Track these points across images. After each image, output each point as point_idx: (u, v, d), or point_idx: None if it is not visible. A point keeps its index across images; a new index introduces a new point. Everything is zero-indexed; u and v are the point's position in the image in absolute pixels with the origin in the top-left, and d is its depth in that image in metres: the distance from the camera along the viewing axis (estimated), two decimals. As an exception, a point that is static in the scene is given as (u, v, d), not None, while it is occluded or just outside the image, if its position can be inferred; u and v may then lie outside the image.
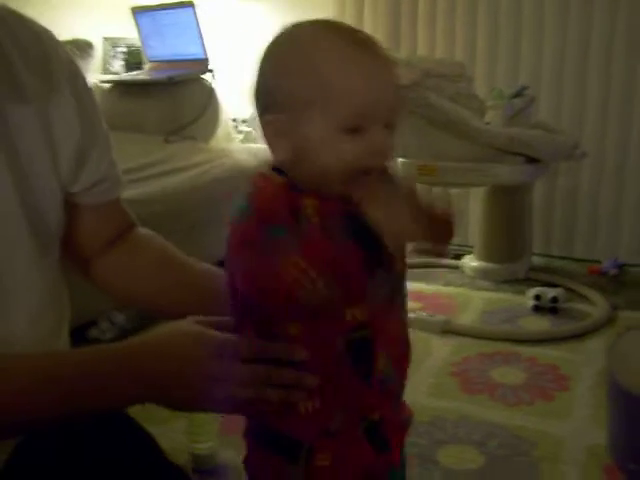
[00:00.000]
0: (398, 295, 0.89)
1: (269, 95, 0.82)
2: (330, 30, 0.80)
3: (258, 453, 0.92)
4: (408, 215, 0.76)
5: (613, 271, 2.81)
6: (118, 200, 1.12)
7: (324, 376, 0.84)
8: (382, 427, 0.90)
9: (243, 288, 0.81)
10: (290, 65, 0.79)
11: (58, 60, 0.97)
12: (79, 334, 2.22)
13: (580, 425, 1.75)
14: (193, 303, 1.06)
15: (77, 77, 1.01)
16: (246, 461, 0.95)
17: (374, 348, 0.85)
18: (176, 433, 1.70)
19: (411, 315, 2.28)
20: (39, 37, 0.97)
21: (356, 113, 0.77)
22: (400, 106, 0.82)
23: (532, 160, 2.47)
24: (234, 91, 3.38)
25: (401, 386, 0.93)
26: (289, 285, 0.76)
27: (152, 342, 0.90)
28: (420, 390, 1.90)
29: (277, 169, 0.84)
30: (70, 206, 1.02)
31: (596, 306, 2.46)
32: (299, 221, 0.79)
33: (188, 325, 0.89)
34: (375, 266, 0.79)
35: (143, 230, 1.16)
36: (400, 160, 2.55)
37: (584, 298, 2.56)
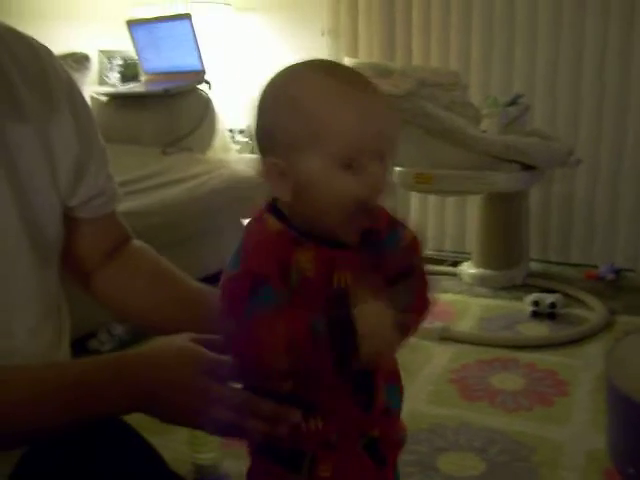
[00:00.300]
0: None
1: (267, 137, 0.83)
2: (322, 70, 0.81)
3: (261, 464, 0.94)
4: (391, 336, 0.77)
5: (610, 276, 2.82)
6: (114, 213, 1.13)
7: (326, 405, 0.86)
8: (380, 444, 0.92)
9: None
10: (284, 108, 0.80)
11: (57, 77, 0.98)
12: (79, 345, 2.22)
13: (579, 430, 1.75)
14: (185, 320, 1.07)
15: (75, 94, 1.02)
16: (249, 473, 0.96)
17: (375, 380, 0.87)
18: (178, 443, 1.70)
19: (410, 323, 2.29)
20: (37, 54, 0.98)
21: (350, 149, 0.79)
22: (395, 140, 0.83)
23: (528, 167, 2.49)
24: (231, 102, 3.40)
25: (399, 410, 0.95)
26: (257, 356, 0.78)
27: (147, 354, 0.92)
28: (419, 397, 1.91)
29: (276, 208, 0.85)
30: (68, 220, 1.03)
31: (594, 311, 2.47)
32: (290, 277, 0.80)
33: (182, 341, 0.90)
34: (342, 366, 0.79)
35: (137, 242, 1.17)
36: (397, 169, 2.56)
37: (582, 303, 2.57)
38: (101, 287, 1.12)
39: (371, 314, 0.77)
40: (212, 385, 0.84)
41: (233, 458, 1.61)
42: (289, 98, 0.80)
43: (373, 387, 0.88)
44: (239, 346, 0.80)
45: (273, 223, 0.84)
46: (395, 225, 0.91)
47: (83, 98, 1.04)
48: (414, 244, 0.91)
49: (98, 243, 1.10)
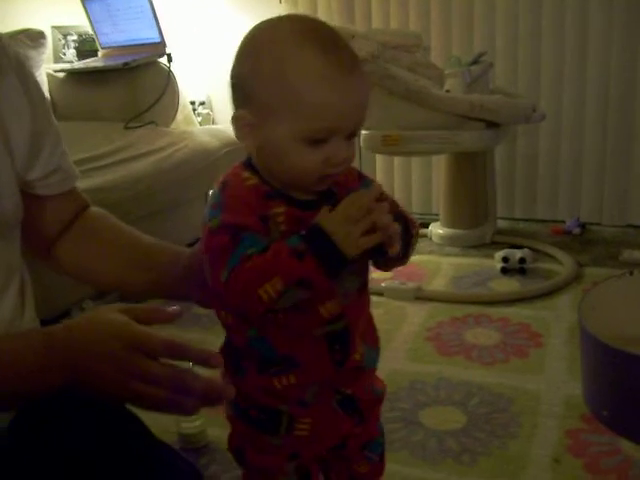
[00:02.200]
0: (365, 285, 0.94)
1: (243, 90, 0.84)
2: (308, 38, 0.80)
3: (240, 428, 0.96)
4: (362, 230, 0.78)
5: (576, 230, 2.87)
6: (74, 189, 1.15)
7: (300, 362, 0.88)
8: (355, 401, 0.95)
9: (225, 301, 0.84)
10: (267, 70, 0.80)
11: (4, 52, 0.99)
12: (54, 324, 2.20)
13: (555, 379, 1.79)
14: (146, 280, 1.10)
15: (26, 72, 1.03)
16: (230, 438, 0.99)
17: (351, 337, 0.90)
18: (162, 415, 1.71)
19: (383, 284, 2.32)
20: None
21: (325, 128, 0.80)
22: (364, 118, 0.84)
23: (492, 125, 2.50)
24: (191, 74, 3.36)
25: (374, 369, 0.98)
26: (267, 303, 0.78)
27: (74, 327, 0.90)
28: (398, 356, 1.93)
29: (251, 164, 0.87)
30: (29, 197, 1.05)
31: (562, 264, 2.51)
32: (270, 229, 0.82)
33: (110, 313, 0.88)
34: (337, 272, 0.80)
35: (95, 209, 1.19)
36: (363, 132, 2.57)
37: (550, 257, 2.61)
38: (61, 256, 1.13)
39: (335, 214, 0.79)
40: (140, 359, 0.83)
41: (218, 426, 1.62)
42: (276, 61, 0.80)
43: (349, 344, 0.90)
44: (231, 292, 0.80)
45: (248, 177, 0.85)
46: (365, 178, 0.94)
47: (34, 77, 1.05)
48: (384, 193, 0.91)
49: (58, 217, 1.12)
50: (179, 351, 0.84)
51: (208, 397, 0.84)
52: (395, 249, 0.83)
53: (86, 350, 0.85)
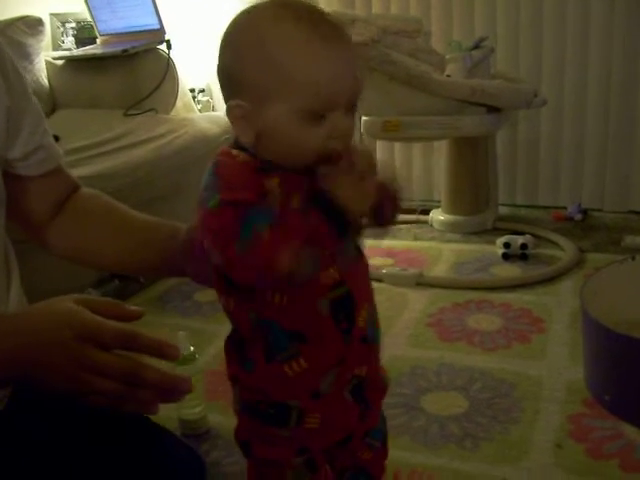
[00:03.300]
0: (362, 253, 0.93)
1: (232, 80, 0.82)
2: (284, 11, 0.79)
3: (248, 423, 0.95)
4: (363, 189, 0.78)
5: (578, 216, 2.86)
6: (60, 168, 1.14)
7: (308, 337, 0.86)
8: (365, 386, 0.94)
9: (236, 279, 0.81)
10: (251, 54, 0.79)
11: None
12: (55, 313, 2.20)
13: (557, 364, 1.79)
14: (144, 256, 1.10)
15: (3, 54, 1.02)
16: (237, 431, 0.97)
17: (355, 302, 0.89)
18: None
19: (384, 271, 2.31)
20: None
21: (318, 100, 0.78)
22: (361, 89, 0.83)
23: (493, 110, 2.49)
24: (191, 61, 3.34)
25: (379, 346, 0.97)
26: (286, 270, 0.75)
27: (25, 317, 0.89)
28: (399, 342, 1.93)
29: (237, 145, 0.85)
30: (14, 179, 1.04)
31: (564, 250, 2.51)
32: (269, 200, 0.80)
33: (64, 304, 0.86)
34: (341, 232, 0.81)
35: (86, 190, 1.18)
36: (364, 118, 2.56)
37: (552, 243, 2.60)
38: (55, 239, 1.13)
39: (342, 181, 0.78)
40: (90, 350, 0.80)
41: (218, 412, 1.62)
42: (258, 43, 0.79)
43: (354, 310, 0.89)
44: (248, 265, 0.77)
45: (238, 154, 0.83)
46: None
47: (9, 55, 1.04)
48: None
49: (46, 198, 1.11)
50: (131, 341, 0.82)
51: (163, 391, 0.81)
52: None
53: (35, 338, 0.82)
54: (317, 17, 0.80)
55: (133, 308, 0.91)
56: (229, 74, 0.83)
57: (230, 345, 0.93)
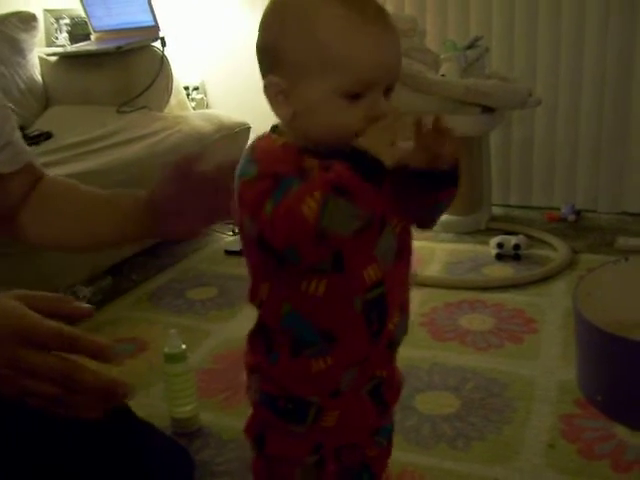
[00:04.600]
0: (404, 252, 0.92)
1: (273, 55, 0.82)
2: None
3: (263, 416, 0.94)
4: (393, 136, 0.77)
5: (571, 217, 2.86)
6: (31, 164, 1.16)
7: (338, 336, 0.86)
8: (383, 388, 0.95)
9: (272, 241, 0.78)
10: (296, 30, 0.79)
11: None
12: (46, 309, 2.19)
13: (549, 364, 1.79)
14: (113, 228, 1.13)
15: None
16: (249, 424, 0.97)
17: (388, 306, 0.89)
18: (154, 399, 1.70)
19: (378, 270, 2.30)
20: None
21: (359, 81, 0.78)
22: (399, 73, 0.83)
23: (488, 110, 2.49)
24: (185, 58, 3.34)
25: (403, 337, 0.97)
26: (313, 220, 0.74)
27: None
28: (392, 342, 1.92)
29: (273, 129, 0.85)
30: None
31: (557, 251, 2.51)
32: (306, 177, 0.80)
33: (3, 299, 0.81)
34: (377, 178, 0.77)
35: (49, 176, 1.20)
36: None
37: (545, 244, 2.60)
38: (25, 228, 1.14)
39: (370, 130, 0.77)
40: (25, 352, 0.76)
41: (210, 410, 1.61)
42: (302, 20, 0.79)
43: (386, 314, 0.88)
44: (276, 221, 0.76)
45: (277, 138, 0.84)
46: None
47: None
48: None
49: (17, 192, 1.13)
50: (68, 342, 0.77)
51: (104, 395, 0.78)
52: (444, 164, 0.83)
53: None
54: (365, 1, 0.80)
55: (82, 306, 0.86)
56: (270, 49, 0.82)
57: (256, 333, 0.92)
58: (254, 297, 0.89)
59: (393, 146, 0.76)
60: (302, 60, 0.79)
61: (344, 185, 0.74)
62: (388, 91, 0.82)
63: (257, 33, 0.84)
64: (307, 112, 0.81)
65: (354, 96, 0.79)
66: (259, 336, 0.91)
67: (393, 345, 0.93)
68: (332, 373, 0.87)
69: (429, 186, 0.86)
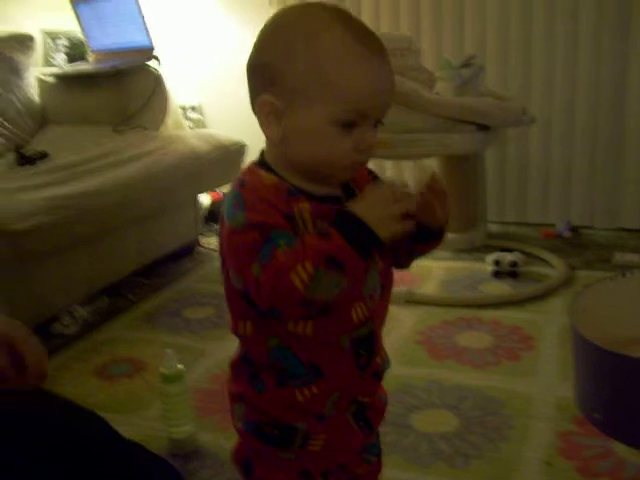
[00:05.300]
0: (387, 287, 0.93)
1: (270, 75, 0.81)
2: (338, 21, 0.80)
3: (250, 444, 0.94)
4: (394, 213, 0.77)
5: (567, 233, 2.87)
6: None
7: (325, 370, 0.86)
8: (367, 410, 0.95)
9: (256, 300, 0.79)
10: (299, 54, 0.79)
11: None
12: (43, 330, 2.19)
13: (547, 381, 1.79)
14: None
15: None
16: (237, 451, 0.97)
17: (376, 341, 0.89)
18: (151, 420, 1.70)
19: (375, 288, 2.30)
20: None
21: (356, 110, 0.79)
22: (390, 104, 0.83)
23: (483, 128, 2.50)
24: (181, 78, 3.35)
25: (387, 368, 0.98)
26: (301, 289, 0.75)
27: None
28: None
29: (265, 163, 0.85)
30: None
31: (554, 268, 2.51)
32: (297, 224, 0.80)
33: None
34: (365, 256, 0.78)
35: None
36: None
37: (542, 261, 2.61)
38: None
39: (362, 198, 0.79)
40: None
41: (207, 431, 1.61)
42: (309, 45, 0.79)
43: (374, 350, 0.89)
44: (264, 285, 0.76)
45: (267, 176, 0.83)
46: (375, 176, 0.93)
47: None
48: None
49: None
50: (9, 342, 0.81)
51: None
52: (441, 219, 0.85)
53: None
54: (366, 32, 0.81)
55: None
56: (267, 67, 0.81)
57: (240, 362, 0.91)
58: (237, 330, 0.89)
59: (393, 221, 0.77)
60: (302, 85, 0.79)
61: (338, 259, 0.75)
62: (377, 124, 0.83)
63: (252, 49, 0.83)
64: (298, 136, 0.81)
65: (347, 125, 0.79)
66: (243, 365, 0.91)
67: (378, 376, 0.94)
68: (317, 400, 0.88)
69: (417, 239, 0.88)
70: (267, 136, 0.83)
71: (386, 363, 0.96)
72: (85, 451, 0.89)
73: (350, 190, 0.87)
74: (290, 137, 0.81)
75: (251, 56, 0.84)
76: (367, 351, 0.88)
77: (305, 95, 0.79)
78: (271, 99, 0.81)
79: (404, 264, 0.94)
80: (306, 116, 0.79)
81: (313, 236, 0.77)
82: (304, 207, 0.81)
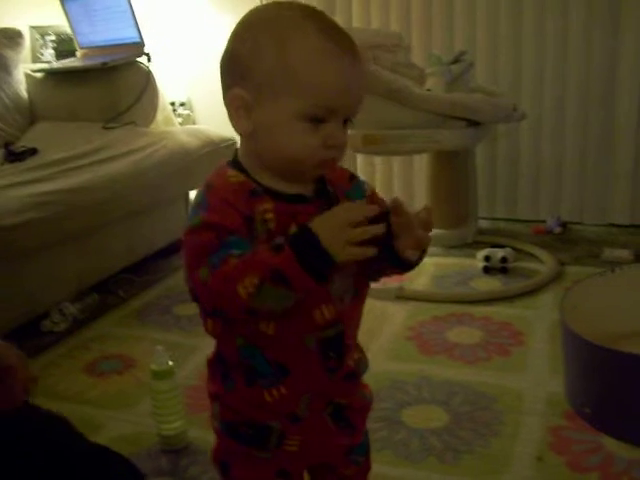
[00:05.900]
0: (361, 291, 0.91)
1: (240, 69, 0.82)
2: (309, 20, 0.80)
3: (227, 444, 0.94)
4: (351, 238, 0.74)
5: (557, 229, 2.88)
6: None
7: (291, 370, 0.86)
8: (347, 413, 0.94)
9: (202, 302, 0.80)
10: (270, 50, 0.79)
11: None
12: (33, 327, 2.18)
13: (537, 377, 1.79)
14: None
15: None
16: (215, 451, 0.96)
17: (345, 344, 0.88)
18: (141, 417, 1.69)
19: (365, 284, 2.30)
20: None
21: (325, 106, 0.79)
22: (361, 103, 0.83)
23: (473, 124, 2.50)
24: (171, 74, 3.34)
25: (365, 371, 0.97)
26: (245, 299, 0.74)
27: None
28: (379, 356, 1.92)
29: (237, 162, 0.85)
30: None
31: (544, 263, 2.51)
32: (255, 227, 0.79)
33: None
34: (318, 277, 0.76)
35: None
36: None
37: (532, 257, 2.61)
38: None
39: (327, 216, 0.76)
40: None
41: (198, 427, 1.60)
42: (280, 41, 0.79)
43: (343, 351, 0.88)
44: (209, 291, 0.77)
45: (233, 175, 0.83)
46: (356, 179, 0.93)
47: None
48: (376, 194, 0.93)
49: None
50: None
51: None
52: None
53: None
54: (338, 31, 0.81)
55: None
56: (238, 62, 0.82)
57: (214, 361, 0.92)
58: (207, 328, 0.89)
59: (351, 246, 0.74)
60: (272, 78, 0.79)
61: (285, 275, 0.73)
62: (346, 122, 0.82)
63: (226, 43, 0.84)
64: (267, 130, 0.81)
65: (316, 121, 0.79)
66: (217, 364, 0.91)
67: (352, 378, 0.93)
68: (287, 400, 0.87)
69: (390, 265, 0.87)
70: (237, 130, 0.83)
71: (362, 365, 0.95)
72: (47, 455, 0.89)
73: (327, 191, 0.87)
74: (259, 131, 0.81)
75: (224, 50, 0.84)
76: (337, 353, 0.87)
77: (272, 89, 0.79)
78: (241, 93, 0.81)
79: (373, 279, 0.92)
80: (272, 109, 0.79)
81: (265, 249, 0.75)
82: (267, 207, 0.80)
